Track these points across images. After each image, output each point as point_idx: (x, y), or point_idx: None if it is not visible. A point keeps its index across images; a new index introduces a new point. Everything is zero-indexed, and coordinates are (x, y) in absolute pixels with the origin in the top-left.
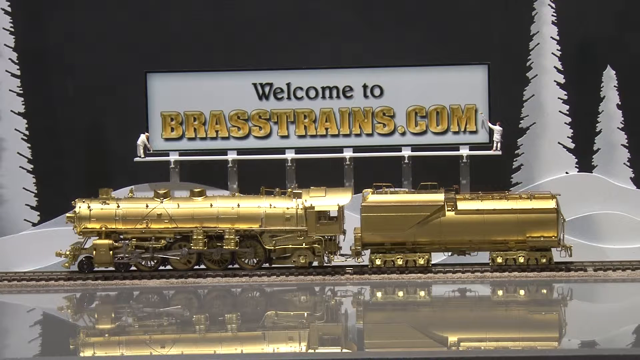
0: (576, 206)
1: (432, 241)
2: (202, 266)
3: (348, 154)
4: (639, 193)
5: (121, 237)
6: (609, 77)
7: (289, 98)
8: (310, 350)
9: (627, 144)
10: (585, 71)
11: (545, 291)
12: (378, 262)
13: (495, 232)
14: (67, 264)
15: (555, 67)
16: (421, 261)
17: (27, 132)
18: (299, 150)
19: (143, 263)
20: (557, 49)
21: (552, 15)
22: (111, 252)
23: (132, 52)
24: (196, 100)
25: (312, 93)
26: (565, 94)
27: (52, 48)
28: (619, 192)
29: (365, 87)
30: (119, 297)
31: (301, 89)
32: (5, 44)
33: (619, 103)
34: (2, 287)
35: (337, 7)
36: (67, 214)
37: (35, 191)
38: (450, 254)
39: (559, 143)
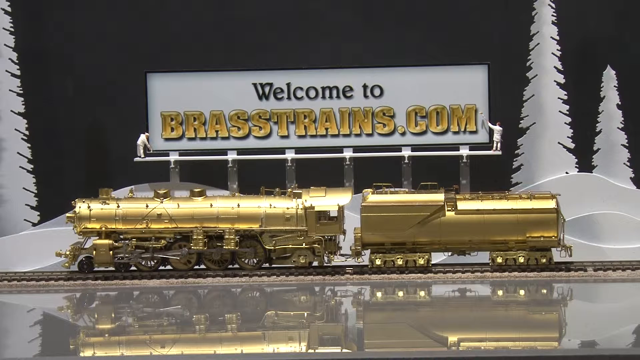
0: (576, 206)
1: (432, 241)
2: (202, 266)
3: (348, 154)
4: (639, 193)
5: (121, 237)
6: (609, 77)
7: (289, 98)
8: (310, 350)
9: (627, 144)
10: (585, 71)
11: (545, 291)
12: (378, 262)
13: (495, 232)
14: (67, 264)
15: (555, 67)
16: (421, 261)
17: (27, 132)
18: (299, 150)
19: (143, 263)
20: (557, 49)
21: (552, 15)
22: (111, 252)
23: (132, 52)
24: (196, 100)
25: (312, 93)
26: (565, 94)
27: (52, 48)
28: (619, 192)
29: (365, 87)
30: (119, 297)
31: (301, 89)
32: (5, 44)
33: (619, 103)
34: (2, 287)
35: (337, 7)
36: (67, 214)
37: (35, 191)
38: (450, 254)
39: (559, 143)
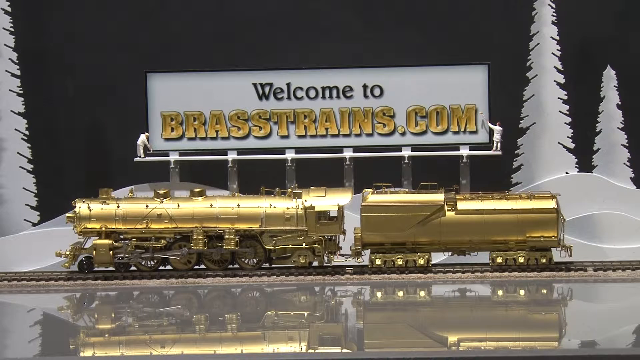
0: (576, 206)
1: (432, 241)
2: (202, 266)
3: (348, 154)
4: (639, 193)
5: (121, 237)
6: (609, 77)
7: (289, 98)
8: (310, 350)
9: (627, 144)
10: (585, 71)
11: (545, 291)
12: (378, 262)
13: (495, 232)
14: (67, 264)
15: (555, 67)
16: (421, 261)
17: (27, 132)
18: (299, 150)
19: (143, 263)
20: (557, 49)
21: (552, 15)
22: (111, 252)
23: (132, 52)
24: (196, 100)
25: (312, 93)
26: (565, 94)
27: (52, 48)
28: (619, 192)
29: (365, 87)
30: (119, 297)
31: (301, 89)
32: (5, 44)
33: (619, 103)
34: (2, 287)
35: (337, 7)
36: (67, 214)
37: (35, 191)
38: (450, 254)
39: (559, 143)
